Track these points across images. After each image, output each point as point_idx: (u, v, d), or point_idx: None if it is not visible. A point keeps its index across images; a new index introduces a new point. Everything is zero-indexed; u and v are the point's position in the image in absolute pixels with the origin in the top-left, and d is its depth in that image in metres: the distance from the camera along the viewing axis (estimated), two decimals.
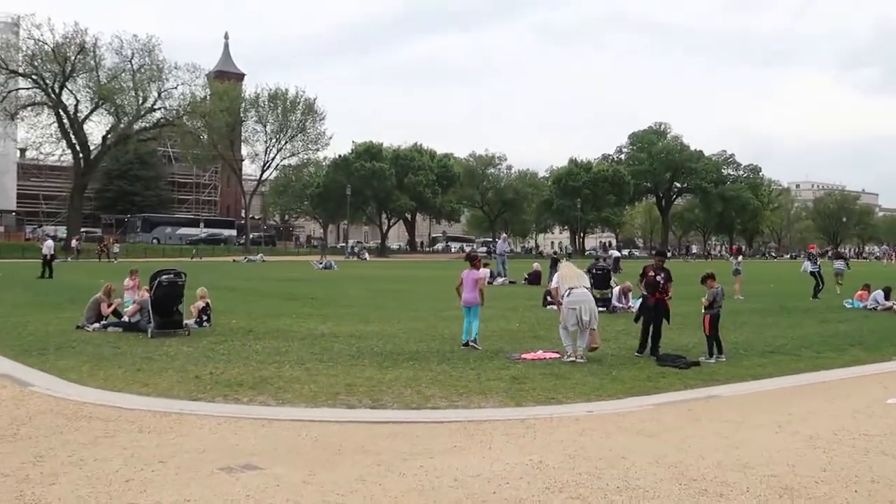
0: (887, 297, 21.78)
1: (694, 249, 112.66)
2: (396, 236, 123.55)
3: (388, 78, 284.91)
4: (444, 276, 34.32)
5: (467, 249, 62.21)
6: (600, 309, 19.46)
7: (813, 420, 8.19)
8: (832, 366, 11.88)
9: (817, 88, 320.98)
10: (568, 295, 11.93)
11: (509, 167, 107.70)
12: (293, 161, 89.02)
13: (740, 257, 29.22)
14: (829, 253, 65.54)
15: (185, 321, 14.48)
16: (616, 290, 20.60)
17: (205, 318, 15.39)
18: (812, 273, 26.52)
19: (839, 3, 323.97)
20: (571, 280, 12.18)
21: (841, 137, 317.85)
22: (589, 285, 12.60)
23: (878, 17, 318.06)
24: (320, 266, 48.63)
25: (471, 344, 12.79)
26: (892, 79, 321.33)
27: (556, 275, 12.78)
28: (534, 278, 31.81)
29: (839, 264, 30.10)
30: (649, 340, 12.42)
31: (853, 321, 18.67)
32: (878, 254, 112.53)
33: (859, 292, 23.25)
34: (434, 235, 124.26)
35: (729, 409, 8.84)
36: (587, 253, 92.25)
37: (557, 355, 11.85)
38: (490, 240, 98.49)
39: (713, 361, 11.79)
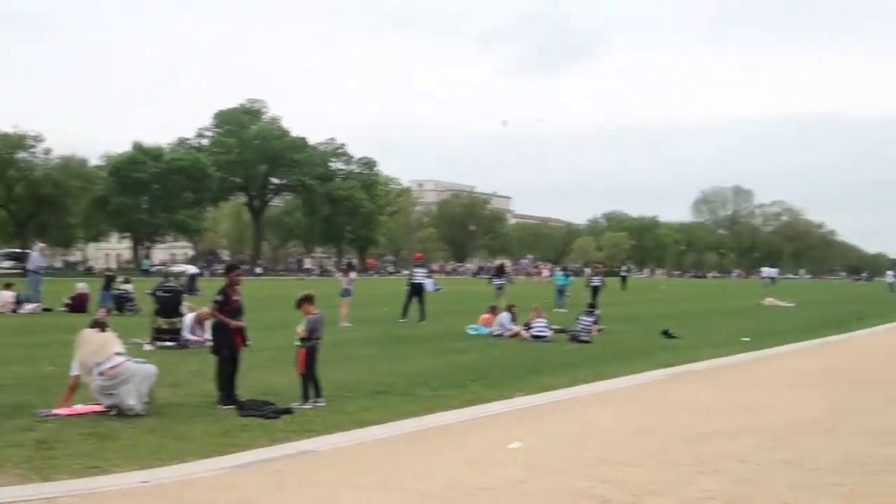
0: (514, 320, 24.12)
1: (307, 264, 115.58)
2: None
3: None
4: None
5: None
6: (167, 343, 19.50)
7: (426, 473, 8.77)
8: (450, 406, 12.81)
9: (452, 66, 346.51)
10: (100, 373, 11.46)
11: (48, 151, 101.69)
12: None
13: (353, 274, 30.55)
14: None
15: None
16: (189, 317, 20.48)
17: None
18: (415, 291, 28.89)
19: None
20: (96, 355, 11.62)
21: (475, 126, 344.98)
22: (123, 349, 12.13)
23: None
24: None
25: None
26: (532, 59, 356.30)
27: (73, 363, 12.13)
28: (77, 304, 30.54)
29: (500, 280, 35.63)
30: (228, 385, 12.46)
31: (476, 351, 20.40)
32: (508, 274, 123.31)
33: (484, 316, 25.46)
34: None
35: (327, 466, 9.16)
36: (154, 268, 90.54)
37: (102, 408, 11.44)
38: (18, 251, 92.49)
39: (309, 407, 12.15)
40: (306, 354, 12.46)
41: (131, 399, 11.26)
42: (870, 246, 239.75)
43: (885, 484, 8.23)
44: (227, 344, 12.67)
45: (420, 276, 29.72)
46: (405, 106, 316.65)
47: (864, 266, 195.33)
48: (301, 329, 12.66)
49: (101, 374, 11.38)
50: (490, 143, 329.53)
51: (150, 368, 11.88)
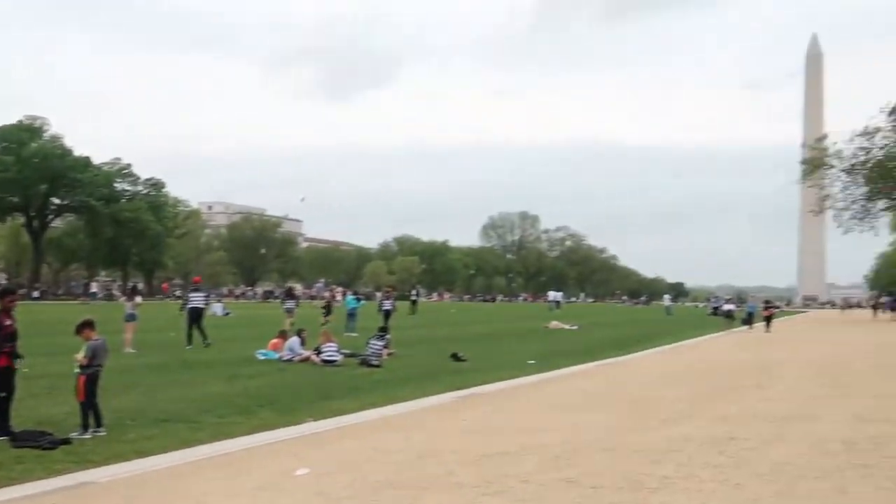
0: (303, 344, 24.04)
1: (94, 288, 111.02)
2: None
3: None
4: None
5: None
6: None
7: (211, 503, 8.60)
8: (238, 433, 12.64)
9: (243, 86, 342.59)
10: None
11: None
12: None
13: (137, 298, 29.69)
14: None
15: None
16: None
17: None
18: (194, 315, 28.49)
19: None
20: None
21: (267, 149, 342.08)
22: None
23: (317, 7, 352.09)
24: None
25: None
26: (329, 82, 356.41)
27: None
28: None
29: (289, 304, 37.71)
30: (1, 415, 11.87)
31: (266, 376, 20.18)
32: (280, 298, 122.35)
33: (273, 340, 25.25)
34: None
35: (106, 498, 8.90)
36: None
37: None
38: None
39: (89, 436, 11.74)
40: (86, 382, 12.04)
41: None
42: (649, 270, 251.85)
43: (658, 502, 8.60)
44: None
45: (198, 299, 29.35)
46: (196, 128, 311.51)
47: (644, 290, 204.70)
48: (81, 356, 12.23)
49: None
50: (283, 165, 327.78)
51: None
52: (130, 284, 53.53)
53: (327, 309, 42.11)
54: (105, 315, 18.43)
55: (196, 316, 28.41)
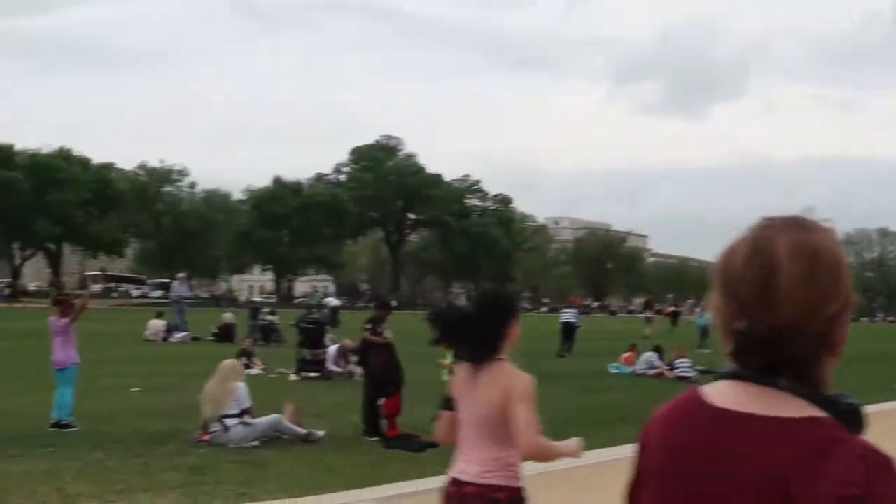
0: (662, 358, 23.81)
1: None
2: (35, 274, 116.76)
3: (22, 53, 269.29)
4: (96, 330, 32.66)
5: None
6: (311, 374, 19.82)
7: None
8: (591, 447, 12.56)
9: (586, 103, 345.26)
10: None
11: (193, 185, 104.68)
12: None
13: None
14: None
15: None
16: (332, 349, 20.75)
17: None
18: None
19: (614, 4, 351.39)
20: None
21: (610, 165, 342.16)
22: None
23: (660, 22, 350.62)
24: None
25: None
26: (672, 97, 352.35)
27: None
28: (225, 333, 31.33)
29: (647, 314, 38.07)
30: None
31: (616, 391, 20.08)
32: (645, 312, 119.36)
33: (625, 355, 25.10)
34: (91, 273, 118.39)
35: None
36: (297, 300, 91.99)
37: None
38: (165, 281, 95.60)
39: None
40: None
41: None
42: None
43: None
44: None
45: (567, 315, 31.68)
46: (539, 139, 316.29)
47: None
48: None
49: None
50: (625, 181, 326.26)
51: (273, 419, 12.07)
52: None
53: (674, 320, 41.83)
54: None
55: (568, 331, 30.83)
